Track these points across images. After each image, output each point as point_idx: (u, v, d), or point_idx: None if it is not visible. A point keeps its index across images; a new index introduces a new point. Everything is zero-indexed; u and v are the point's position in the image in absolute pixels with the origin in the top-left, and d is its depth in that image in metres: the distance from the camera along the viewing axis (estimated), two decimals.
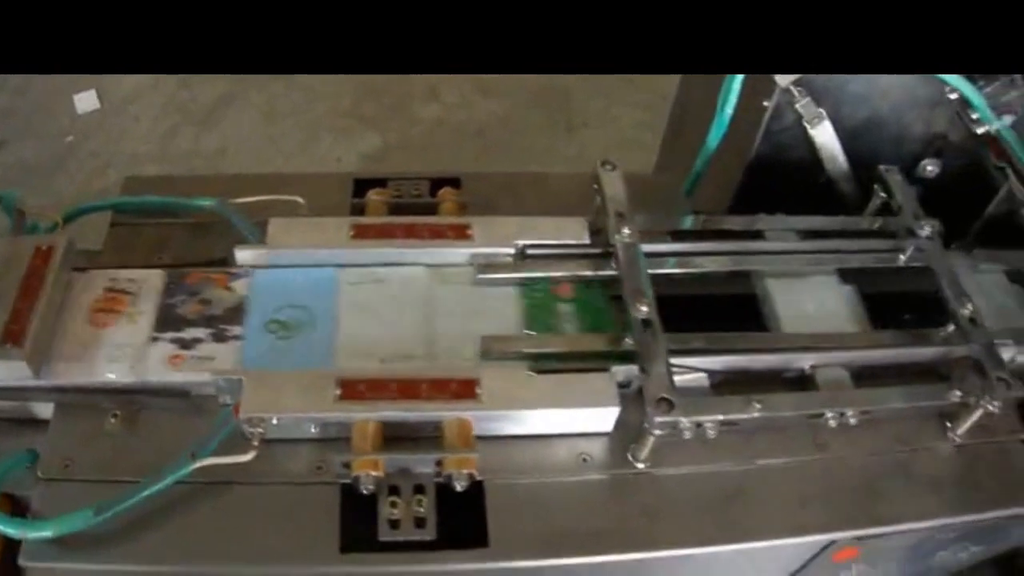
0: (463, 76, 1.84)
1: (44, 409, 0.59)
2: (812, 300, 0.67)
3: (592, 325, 0.60)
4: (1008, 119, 0.70)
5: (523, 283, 0.62)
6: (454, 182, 0.72)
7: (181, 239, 0.69)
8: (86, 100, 1.88)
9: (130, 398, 0.57)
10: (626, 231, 0.61)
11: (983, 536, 0.69)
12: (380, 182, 0.71)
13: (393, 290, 0.61)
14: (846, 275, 0.72)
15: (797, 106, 0.68)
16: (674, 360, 0.59)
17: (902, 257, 0.71)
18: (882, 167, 0.73)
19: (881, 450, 0.64)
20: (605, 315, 0.61)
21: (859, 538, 0.62)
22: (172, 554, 0.53)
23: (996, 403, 0.62)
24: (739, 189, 0.76)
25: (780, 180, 0.76)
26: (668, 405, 0.54)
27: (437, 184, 0.71)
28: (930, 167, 0.79)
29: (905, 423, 0.66)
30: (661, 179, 0.92)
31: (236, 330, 0.58)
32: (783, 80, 0.66)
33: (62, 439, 0.57)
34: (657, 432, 0.55)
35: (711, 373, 0.61)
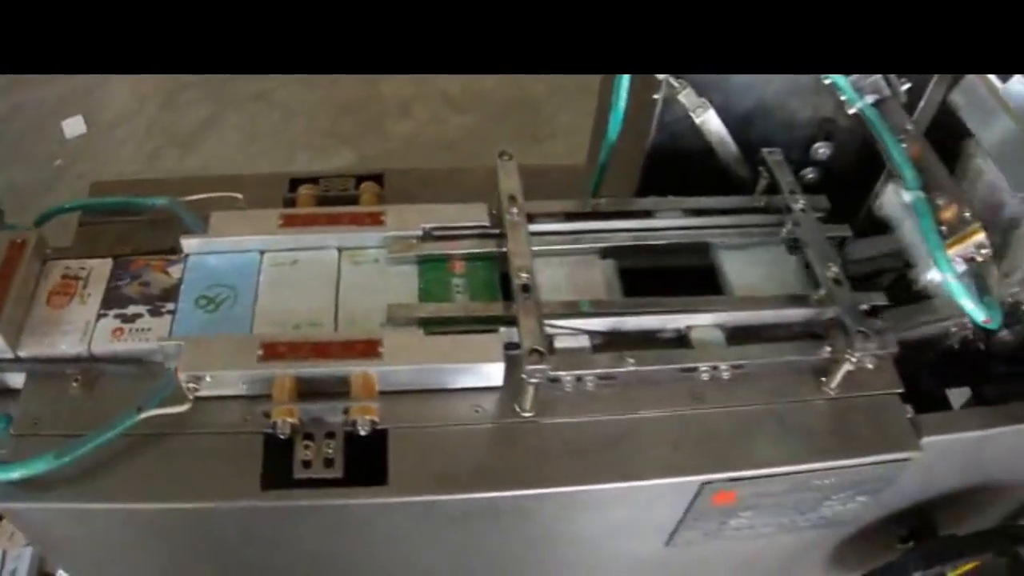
0: (435, 93, 2.04)
1: (17, 379, 0.75)
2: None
3: (482, 295, 0.74)
4: (871, 98, 0.83)
5: (425, 260, 0.77)
6: (377, 178, 0.87)
7: (139, 234, 0.85)
8: (74, 125, 2.09)
9: (90, 366, 0.72)
10: (515, 211, 0.76)
11: (867, 486, 0.81)
12: (312, 180, 0.87)
13: (310, 270, 0.75)
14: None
15: (679, 97, 0.82)
16: (556, 322, 0.74)
17: (783, 231, 0.84)
18: (764, 150, 0.86)
19: (756, 402, 0.77)
20: (492, 287, 0.75)
21: (732, 480, 0.75)
22: (121, 494, 0.67)
23: (858, 355, 0.75)
24: (642, 177, 0.89)
25: (679, 167, 0.89)
26: (539, 355, 0.67)
27: (362, 180, 0.87)
28: (822, 149, 0.92)
29: (781, 378, 0.78)
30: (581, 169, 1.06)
31: (170, 306, 0.73)
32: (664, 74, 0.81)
33: (31, 403, 0.71)
34: (533, 380, 0.68)
35: (592, 334, 0.74)
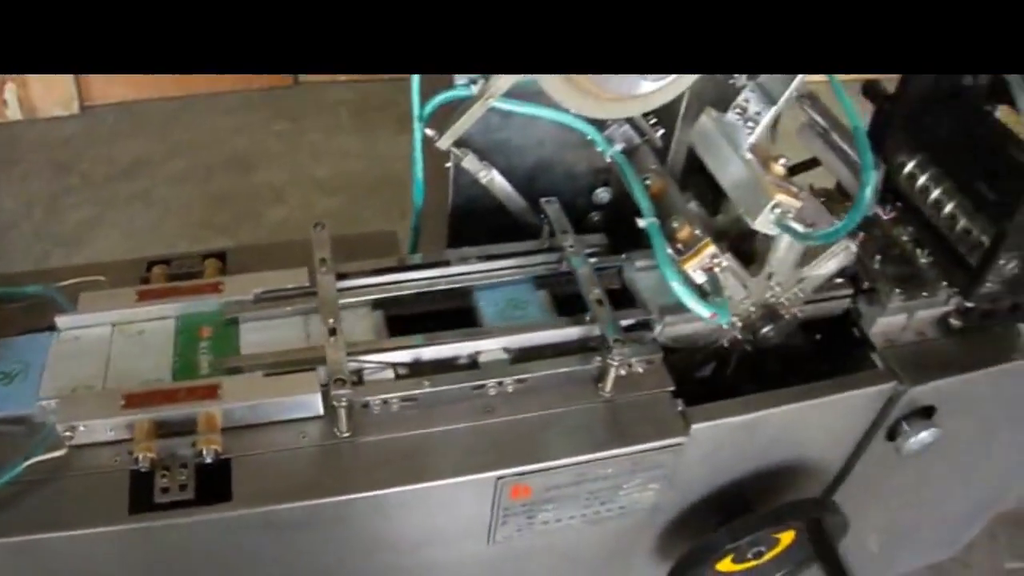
0: (306, 178, 2.51)
1: None
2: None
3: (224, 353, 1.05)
4: (620, 146, 1.17)
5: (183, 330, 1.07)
6: (220, 255, 1.18)
7: (19, 317, 1.15)
8: None
9: None
10: (323, 270, 1.08)
11: (653, 472, 1.11)
12: (165, 261, 1.18)
13: (155, 335, 1.07)
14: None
15: (462, 164, 1.15)
16: (362, 357, 1.05)
17: (563, 266, 1.17)
18: (543, 200, 1.19)
19: (540, 409, 1.07)
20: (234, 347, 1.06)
21: (522, 474, 1.05)
22: (13, 528, 0.96)
23: (618, 361, 1.06)
24: (449, 233, 1.22)
25: (482, 220, 1.22)
26: (343, 383, 0.97)
27: (206, 258, 1.18)
28: (602, 194, 1.25)
29: (562, 388, 1.08)
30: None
31: None
32: (444, 143, 1.13)
33: None
34: (342, 404, 0.98)
35: (395, 366, 1.05)
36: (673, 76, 0.86)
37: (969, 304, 1.24)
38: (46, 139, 2.86)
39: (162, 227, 2.47)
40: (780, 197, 1.02)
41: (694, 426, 1.08)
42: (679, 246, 1.08)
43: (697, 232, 1.08)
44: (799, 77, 1.02)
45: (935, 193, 1.26)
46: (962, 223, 1.23)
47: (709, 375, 1.25)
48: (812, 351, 1.29)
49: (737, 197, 1.08)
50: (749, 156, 1.06)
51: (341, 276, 1.10)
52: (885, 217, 1.31)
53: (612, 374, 1.07)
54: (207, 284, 1.10)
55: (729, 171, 1.09)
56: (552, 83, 0.91)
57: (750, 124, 1.06)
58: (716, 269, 1.08)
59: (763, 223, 1.04)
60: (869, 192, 0.99)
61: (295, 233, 2.52)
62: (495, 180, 1.16)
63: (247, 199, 2.60)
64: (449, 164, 1.16)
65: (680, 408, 1.09)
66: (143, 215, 2.52)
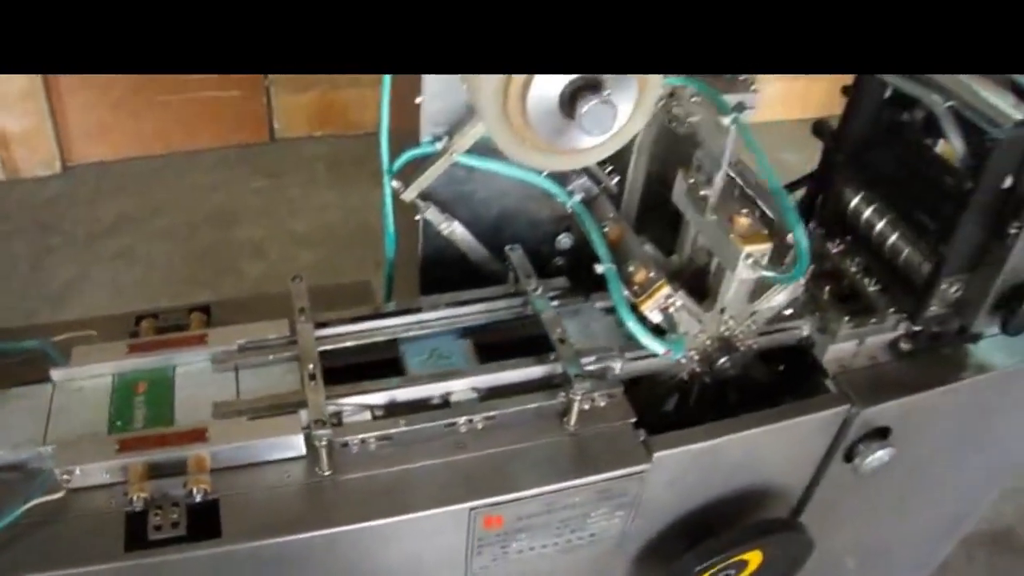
0: (285, 233, 2.67)
1: None
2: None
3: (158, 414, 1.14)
4: (579, 196, 1.29)
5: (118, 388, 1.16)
6: (205, 309, 1.30)
7: (15, 370, 1.26)
8: None
9: None
10: (303, 319, 1.19)
11: (619, 500, 1.22)
12: (153, 315, 1.29)
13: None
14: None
15: (426, 216, 1.27)
16: (341, 401, 1.15)
17: (527, 310, 1.28)
18: (507, 247, 1.31)
19: (509, 443, 1.17)
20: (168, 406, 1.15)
21: (494, 504, 1.15)
22: (14, 568, 1.05)
23: (580, 396, 1.17)
24: (421, 281, 1.34)
25: (451, 269, 1.34)
26: (322, 423, 1.08)
27: (192, 311, 1.29)
28: (564, 240, 1.37)
29: (530, 423, 1.18)
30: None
31: None
32: (408, 195, 1.25)
33: None
34: (322, 444, 1.08)
35: (372, 407, 1.16)
36: (612, 132, 0.98)
37: (917, 327, 1.35)
38: (29, 199, 2.99)
39: (146, 283, 2.60)
40: (749, 248, 1.13)
41: (656, 454, 1.18)
42: (636, 288, 1.20)
43: (651, 275, 1.19)
44: (730, 145, 1.13)
45: (880, 225, 1.38)
46: (906, 252, 1.34)
47: (673, 409, 1.36)
48: (771, 381, 1.40)
49: (717, 253, 1.21)
50: (714, 218, 1.17)
51: (320, 325, 1.21)
52: (834, 251, 1.43)
53: (576, 408, 1.17)
54: (193, 336, 1.20)
55: (704, 231, 1.21)
56: (503, 139, 1.03)
57: (707, 187, 1.18)
58: (671, 308, 1.20)
59: (743, 273, 1.16)
60: (805, 244, 1.10)
61: (276, 286, 2.67)
62: (456, 231, 1.28)
63: (228, 254, 2.74)
64: (418, 217, 1.28)
65: (642, 438, 1.20)
66: (127, 272, 2.64)
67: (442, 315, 1.25)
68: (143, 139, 3.26)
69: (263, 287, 2.56)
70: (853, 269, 1.41)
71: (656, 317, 1.19)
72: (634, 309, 1.20)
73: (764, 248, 1.14)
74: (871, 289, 1.38)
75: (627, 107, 0.97)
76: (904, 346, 1.37)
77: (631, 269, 1.21)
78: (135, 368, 1.18)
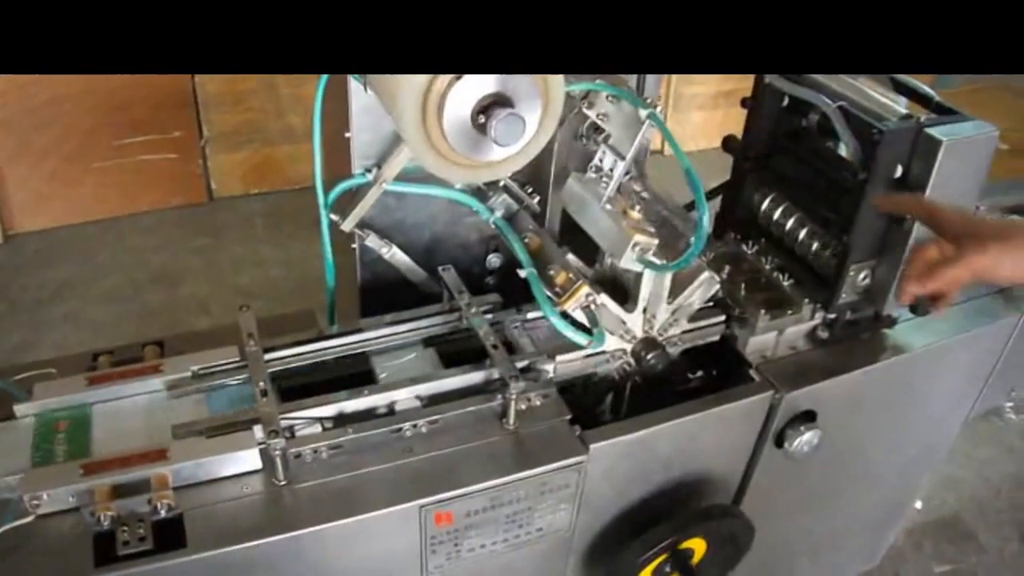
0: (228, 289, 2.91)
1: None
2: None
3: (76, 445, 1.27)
4: (500, 212, 1.45)
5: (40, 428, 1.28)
6: (159, 343, 1.43)
7: None
8: None
9: None
10: (252, 343, 1.33)
11: (561, 492, 1.35)
12: (109, 352, 1.43)
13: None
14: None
15: (366, 243, 1.42)
16: (292, 415, 1.29)
17: (462, 324, 1.43)
18: (440, 268, 1.46)
19: (453, 445, 1.31)
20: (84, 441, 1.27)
21: (441, 501, 1.29)
22: None
23: (514, 395, 1.31)
24: (360, 304, 1.49)
25: (388, 291, 1.49)
26: (275, 434, 1.21)
27: (145, 346, 1.43)
28: (494, 259, 1.53)
29: (472, 425, 1.31)
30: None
31: None
32: (347, 225, 1.40)
33: None
34: (276, 453, 1.22)
35: (322, 420, 1.30)
36: (524, 142, 1.12)
37: (832, 315, 1.52)
38: None
39: (95, 345, 2.71)
40: (638, 238, 1.29)
41: (592, 445, 1.32)
42: (558, 290, 1.35)
43: (571, 276, 1.35)
44: (640, 136, 1.30)
45: (789, 223, 1.55)
46: (815, 246, 1.51)
47: (610, 409, 1.51)
48: (699, 377, 1.55)
49: (604, 243, 1.36)
50: (609, 207, 1.34)
51: (268, 350, 1.35)
52: (750, 252, 1.60)
53: (513, 408, 1.31)
54: (149, 366, 1.33)
55: (595, 222, 1.36)
56: (427, 158, 1.16)
57: (605, 180, 1.35)
58: (592, 307, 1.35)
59: (628, 261, 1.30)
60: (706, 220, 1.26)
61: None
62: (396, 255, 1.43)
63: (174, 312, 2.90)
64: (355, 245, 1.43)
65: (578, 433, 1.34)
66: (75, 335, 2.77)
67: (381, 333, 1.39)
68: (83, 206, 3.40)
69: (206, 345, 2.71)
70: (768, 267, 1.57)
71: (580, 316, 1.34)
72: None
73: (651, 241, 1.28)
74: (786, 283, 1.54)
75: (534, 117, 1.10)
76: (821, 334, 1.53)
77: (552, 273, 1.36)
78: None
